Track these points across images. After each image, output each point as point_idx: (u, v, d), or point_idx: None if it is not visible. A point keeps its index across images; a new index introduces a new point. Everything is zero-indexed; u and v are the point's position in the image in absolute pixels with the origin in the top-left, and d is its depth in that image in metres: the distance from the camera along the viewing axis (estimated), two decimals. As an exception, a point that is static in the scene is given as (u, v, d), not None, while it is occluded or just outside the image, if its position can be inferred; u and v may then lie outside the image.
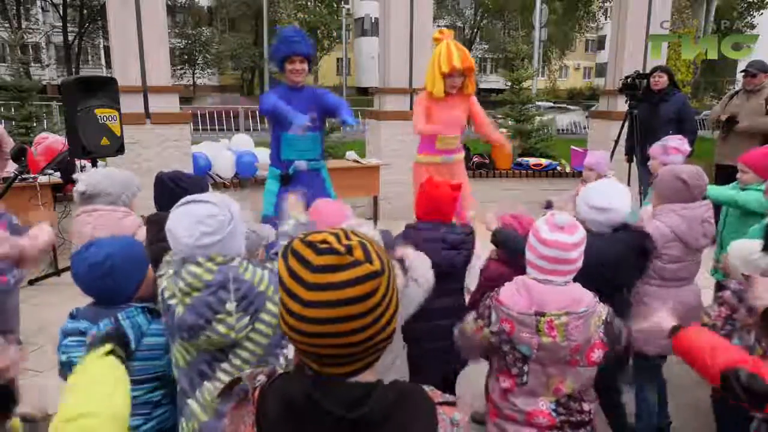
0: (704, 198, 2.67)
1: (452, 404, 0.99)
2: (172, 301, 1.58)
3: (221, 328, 1.53)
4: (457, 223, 2.57)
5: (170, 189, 2.34)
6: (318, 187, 3.95)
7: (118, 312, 1.74)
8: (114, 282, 1.76)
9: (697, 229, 2.54)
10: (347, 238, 0.90)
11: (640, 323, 1.94)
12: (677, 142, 3.51)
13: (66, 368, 1.74)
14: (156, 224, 2.28)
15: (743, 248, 2.44)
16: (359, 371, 0.92)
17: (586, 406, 1.93)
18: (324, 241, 0.88)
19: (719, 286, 2.87)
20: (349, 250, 0.87)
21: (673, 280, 2.60)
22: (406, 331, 2.15)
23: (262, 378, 0.99)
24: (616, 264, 2.22)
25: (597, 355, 1.86)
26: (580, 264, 1.85)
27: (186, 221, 1.56)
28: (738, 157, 4.54)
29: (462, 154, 4.26)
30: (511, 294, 1.87)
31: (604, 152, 4.25)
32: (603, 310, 1.88)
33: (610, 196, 2.32)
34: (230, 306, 1.53)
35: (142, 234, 2.57)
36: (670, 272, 2.58)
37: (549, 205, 4.21)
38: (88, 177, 2.71)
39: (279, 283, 0.91)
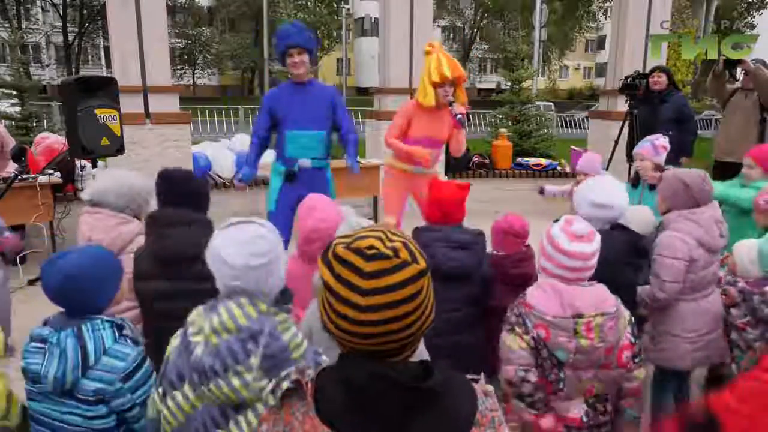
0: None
1: (477, 381, 1.08)
2: (196, 339, 1.46)
3: (235, 382, 1.40)
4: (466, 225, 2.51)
5: (176, 183, 2.34)
6: (320, 186, 3.87)
7: (83, 323, 1.67)
8: (82, 296, 1.70)
9: (714, 230, 2.49)
10: (390, 240, 0.93)
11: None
12: (662, 140, 3.49)
13: (24, 375, 1.70)
14: (155, 221, 2.27)
15: (750, 248, 2.45)
16: (406, 359, 0.99)
17: (609, 407, 1.94)
18: (371, 247, 0.91)
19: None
20: (396, 252, 0.91)
21: (701, 289, 2.53)
22: None
23: (310, 372, 1.03)
24: (615, 262, 2.20)
25: (626, 356, 1.87)
26: (595, 267, 1.87)
27: (234, 242, 1.46)
28: (736, 153, 4.55)
29: (437, 168, 4.18)
30: (541, 298, 1.83)
31: (596, 154, 4.24)
32: (626, 311, 1.90)
33: (611, 193, 2.34)
34: (254, 361, 1.40)
35: (140, 242, 2.52)
36: (697, 281, 2.51)
37: (542, 191, 4.23)
38: (95, 184, 2.66)
39: (326, 289, 0.94)
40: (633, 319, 1.92)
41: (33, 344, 1.69)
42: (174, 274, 2.14)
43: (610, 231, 2.33)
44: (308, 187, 3.81)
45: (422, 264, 0.93)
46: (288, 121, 3.79)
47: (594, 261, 1.84)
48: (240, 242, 1.46)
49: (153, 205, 2.59)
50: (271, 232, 1.53)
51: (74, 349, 1.63)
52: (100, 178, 2.71)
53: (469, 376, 1.07)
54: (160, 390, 1.54)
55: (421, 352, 1.78)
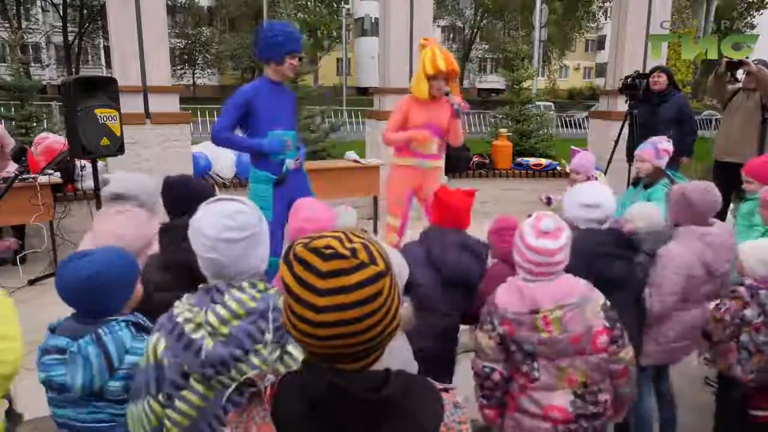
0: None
1: (449, 390, 1.05)
2: (197, 335, 1.44)
3: (256, 361, 1.42)
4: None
5: (181, 193, 2.29)
6: (302, 185, 3.91)
7: (100, 327, 1.66)
8: (101, 297, 1.68)
9: (723, 255, 2.51)
10: (349, 241, 0.92)
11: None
12: (666, 143, 3.53)
13: (46, 386, 1.69)
14: (168, 232, 2.21)
15: (757, 248, 2.45)
16: (370, 364, 0.97)
17: (601, 397, 1.96)
18: (328, 246, 0.90)
19: None
20: (354, 253, 0.90)
21: (692, 302, 2.56)
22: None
23: (271, 377, 1.01)
24: (595, 254, 2.22)
25: (602, 340, 1.90)
26: (566, 262, 1.92)
27: (212, 214, 1.49)
28: (736, 154, 4.56)
29: (439, 162, 4.17)
30: (505, 296, 1.94)
31: (589, 153, 4.24)
32: (600, 297, 1.93)
33: (597, 194, 2.37)
34: (268, 336, 1.43)
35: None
36: (690, 294, 2.53)
37: (549, 201, 4.22)
38: (122, 180, 2.65)
39: (286, 291, 0.93)
40: (608, 303, 1.94)
41: (51, 356, 1.67)
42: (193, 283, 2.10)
43: (591, 228, 2.34)
44: (294, 187, 3.80)
45: (381, 266, 0.91)
46: (270, 120, 3.70)
47: (560, 257, 1.89)
48: (218, 215, 1.48)
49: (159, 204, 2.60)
50: (253, 212, 1.53)
51: (97, 356, 1.63)
52: (121, 176, 2.72)
53: (440, 386, 1.04)
54: (160, 397, 1.48)
55: (404, 361, 1.76)
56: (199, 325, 1.44)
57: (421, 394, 0.99)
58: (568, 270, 1.96)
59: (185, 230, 2.14)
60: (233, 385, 1.07)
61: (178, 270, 2.09)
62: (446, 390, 1.04)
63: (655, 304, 2.47)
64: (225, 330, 1.42)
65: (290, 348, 1.45)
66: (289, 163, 3.79)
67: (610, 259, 2.28)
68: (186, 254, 2.07)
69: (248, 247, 1.49)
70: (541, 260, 1.88)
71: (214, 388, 1.45)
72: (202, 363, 1.42)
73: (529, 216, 1.99)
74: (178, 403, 1.46)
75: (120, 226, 2.53)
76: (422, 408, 0.97)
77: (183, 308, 1.49)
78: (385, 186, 4.18)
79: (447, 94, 3.87)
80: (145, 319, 1.78)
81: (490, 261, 2.57)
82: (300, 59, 3.80)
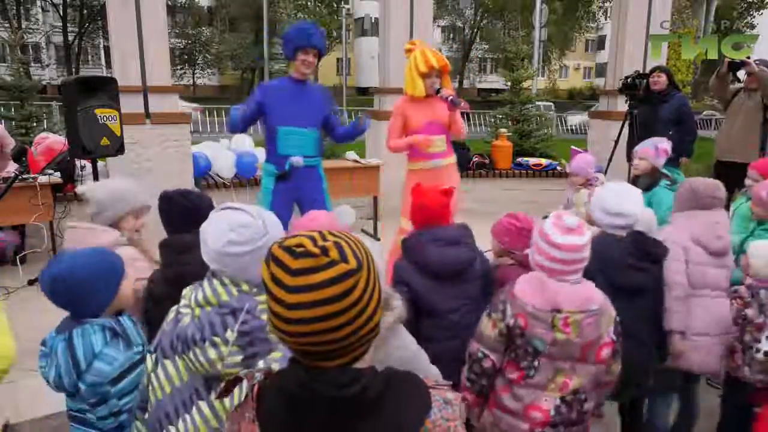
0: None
1: (443, 387, 1.05)
2: (184, 310, 1.53)
3: (211, 353, 1.44)
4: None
5: (182, 205, 2.25)
6: (314, 184, 3.90)
7: (75, 329, 1.71)
8: (76, 297, 1.71)
9: (711, 230, 2.53)
10: (323, 239, 0.93)
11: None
12: (665, 144, 3.54)
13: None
14: (170, 248, 2.19)
15: (764, 248, 2.44)
16: (348, 364, 0.97)
17: (587, 406, 1.94)
18: (299, 245, 0.92)
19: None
20: (324, 251, 0.91)
21: (701, 288, 2.54)
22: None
23: (259, 375, 1.03)
24: (607, 261, 2.21)
25: (606, 352, 1.90)
26: (587, 260, 1.89)
27: (218, 226, 1.49)
28: (737, 153, 4.54)
29: (453, 158, 4.15)
30: (526, 289, 1.89)
31: (588, 155, 4.23)
32: (613, 310, 1.92)
33: (623, 200, 2.34)
34: (230, 334, 1.44)
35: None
36: (696, 277, 2.53)
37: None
38: (94, 189, 2.57)
39: (264, 289, 0.95)
40: (617, 317, 1.94)
41: (41, 348, 1.77)
42: None
43: (615, 236, 2.34)
44: (302, 184, 3.84)
45: (352, 264, 0.92)
46: (281, 116, 3.73)
47: (586, 253, 1.86)
48: (222, 228, 1.49)
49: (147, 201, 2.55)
50: (258, 222, 1.51)
51: (64, 355, 1.69)
52: (97, 189, 2.59)
53: (431, 383, 1.03)
54: (153, 357, 1.56)
55: (410, 358, 1.74)
56: (189, 302, 1.53)
57: (403, 391, 0.99)
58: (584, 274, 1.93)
59: (182, 244, 2.16)
60: (223, 382, 1.09)
61: (177, 282, 2.09)
62: (439, 386, 1.04)
63: (672, 287, 2.44)
64: (198, 312, 1.49)
65: (260, 364, 1.44)
66: (294, 161, 3.79)
67: (627, 270, 2.28)
68: (182, 268, 2.09)
69: (253, 259, 1.48)
70: (569, 257, 1.83)
71: (190, 369, 1.50)
72: (176, 335, 1.49)
73: (545, 217, 1.96)
74: (160, 371, 1.53)
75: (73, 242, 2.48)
76: (400, 405, 0.97)
77: (189, 287, 1.58)
78: (402, 191, 4.13)
79: (438, 92, 3.86)
80: (131, 324, 1.82)
81: (493, 257, 2.56)
82: (319, 57, 3.81)
